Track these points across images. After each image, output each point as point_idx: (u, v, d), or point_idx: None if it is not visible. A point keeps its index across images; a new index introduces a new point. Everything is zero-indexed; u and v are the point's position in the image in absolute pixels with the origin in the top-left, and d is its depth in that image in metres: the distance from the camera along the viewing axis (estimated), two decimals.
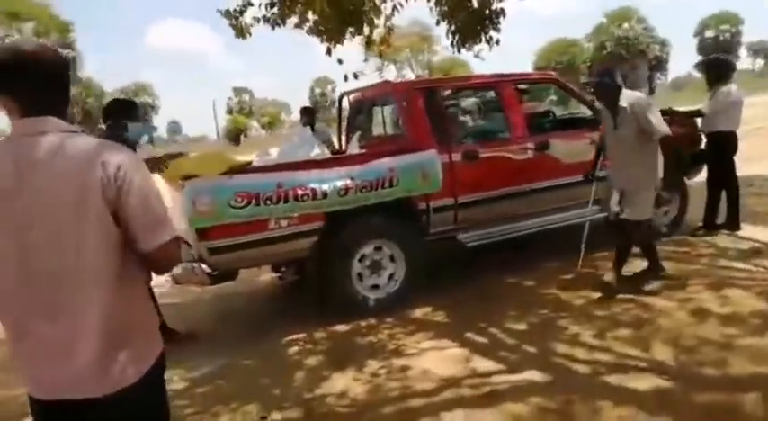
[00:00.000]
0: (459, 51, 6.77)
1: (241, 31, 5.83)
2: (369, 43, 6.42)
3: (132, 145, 3.75)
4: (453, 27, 6.78)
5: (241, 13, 5.62)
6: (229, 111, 65.14)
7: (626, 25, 51.11)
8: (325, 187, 3.89)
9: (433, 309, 4.28)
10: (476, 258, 5.11)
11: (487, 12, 6.85)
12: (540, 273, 4.71)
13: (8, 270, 1.40)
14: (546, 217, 4.82)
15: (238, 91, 68.30)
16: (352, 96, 5.39)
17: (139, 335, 1.52)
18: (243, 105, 65.92)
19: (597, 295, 4.08)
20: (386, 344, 3.73)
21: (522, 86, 5.26)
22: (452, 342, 3.67)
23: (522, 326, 3.79)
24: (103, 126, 4.01)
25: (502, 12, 6.79)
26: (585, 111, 5.25)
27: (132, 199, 1.40)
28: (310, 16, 5.84)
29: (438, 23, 6.89)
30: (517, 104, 4.81)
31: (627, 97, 3.93)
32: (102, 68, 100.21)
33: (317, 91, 66.96)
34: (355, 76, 5.78)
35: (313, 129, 6.35)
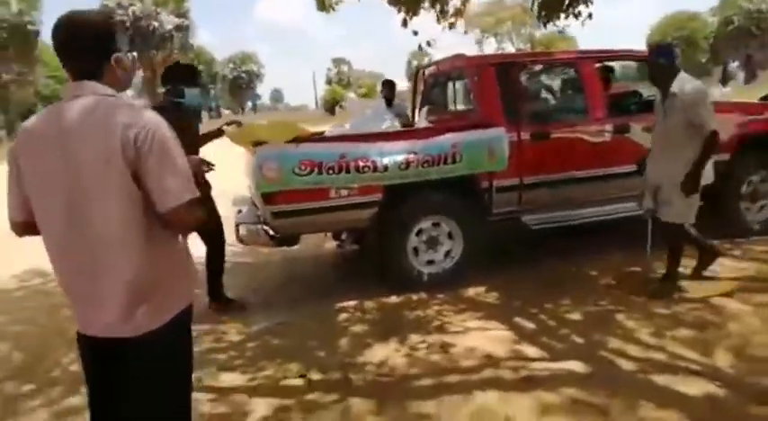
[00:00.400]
0: (545, 26, 6.45)
1: (323, 4, 5.89)
2: (442, 14, 6.26)
3: (188, 111, 3.80)
4: (539, 1, 6.46)
5: None
6: (328, 82, 66.50)
7: None
8: (387, 160, 3.93)
9: (486, 289, 4.23)
10: (540, 242, 4.96)
11: None
12: (604, 264, 4.49)
13: (56, 226, 1.56)
14: (618, 205, 4.56)
15: (337, 62, 69.47)
16: (428, 70, 5.34)
17: (164, 290, 1.65)
18: (341, 76, 67.02)
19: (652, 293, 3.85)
20: (432, 320, 3.76)
21: (609, 64, 4.95)
22: (500, 324, 3.63)
23: (574, 316, 3.66)
24: (162, 90, 4.02)
25: None
26: None
27: (150, 161, 1.49)
28: None
29: None
30: (597, 83, 4.53)
31: (681, 82, 3.57)
32: (214, 38, 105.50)
33: (414, 63, 66.53)
34: (428, 44, 5.70)
35: (392, 103, 6.39)
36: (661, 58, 3.68)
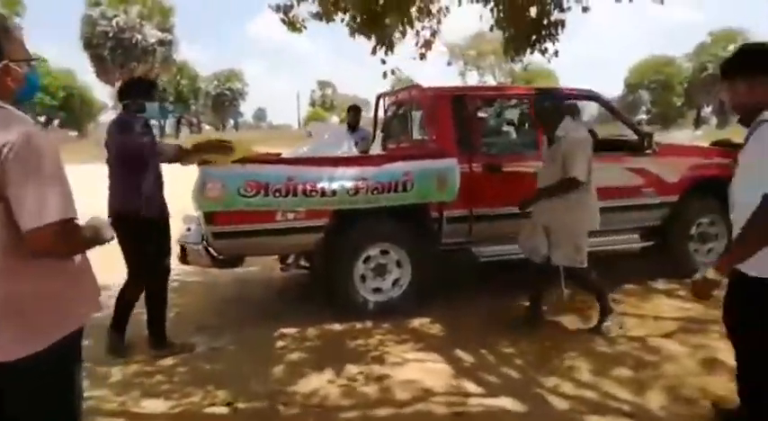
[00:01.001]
0: (511, 59, 6.56)
1: (293, 26, 5.90)
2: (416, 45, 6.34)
3: (148, 125, 3.61)
4: (507, 34, 6.59)
5: (291, 6, 5.67)
6: (312, 104, 66.82)
7: (732, 46, 47.70)
8: (335, 185, 3.89)
9: (431, 320, 4.17)
10: (490, 274, 4.93)
11: (545, 22, 6.62)
12: (551, 298, 4.47)
13: None
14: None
15: (322, 84, 69.91)
16: (387, 98, 5.37)
17: (41, 311, 1.55)
18: (325, 99, 67.38)
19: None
20: (373, 350, 3.68)
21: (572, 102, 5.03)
22: (440, 357, 3.57)
23: (515, 351, 3.61)
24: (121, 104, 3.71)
25: (561, 23, 6.50)
26: (631, 134, 4.93)
27: (12, 176, 1.41)
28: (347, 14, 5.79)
29: (491, 29, 6.71)
30: None
31: (565, 128, 3.64)
32: (204, 54, 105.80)
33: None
34: (393, 73, 5.74)
35: (356, 129, 6.40)
36: (546, 102, 3.75)
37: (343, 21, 5.97)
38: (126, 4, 34.35)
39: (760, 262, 2.01)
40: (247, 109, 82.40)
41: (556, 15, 6.49)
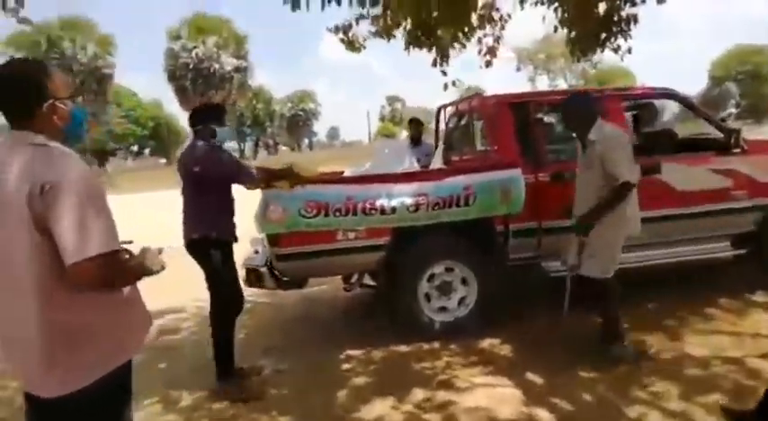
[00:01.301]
0: (578, 60, 6.24)
1: (352, 45, 5.92)
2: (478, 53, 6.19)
3: (217, 151, 3.54)
4: (573, 34, 6.28)
5: (350, 26, 5.68)
6: (382, 119, 67.66)
7: None
8: (395, 202, 3.80)
9: (502, 341, 3.96)
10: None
11: (615, 18, 6.26)
12: (636, 314, 4.13)
13: None
14: (651, 251, 4.23)
15: (391, 99, 70.71)
16: (448, 109, 5.24)
17: (89, 343, 1.57)
18: (395, 113, 68.01)
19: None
20: (439, 374, 3.53)
21: (636, 102, 4.70)
22: (510, 381, 3.37)
23: (593, 375, 3.34)
24: (192, 130, 3.69)
25: (633, 18, 6.13)
26: (716, 133, 4.51)
27: (56, 215, 1.44)
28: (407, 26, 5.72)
29: (556, 30, 6.42)
30: (621, 122, 4.28)
31: (598, 130, 3.34)
32: (276, 77, 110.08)
33: None
34: (453, 84, 5.62)
35: (420, 142, 6.31)
36: (576, 105, 3.48)
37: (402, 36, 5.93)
38: (204, 35, 36.36)
39: None
40: (321, 128, 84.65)
41: (627, 10, 6.15)
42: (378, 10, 5.33)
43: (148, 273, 1.73)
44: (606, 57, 6.58)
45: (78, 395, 1.55)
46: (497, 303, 4.15)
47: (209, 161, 3.42)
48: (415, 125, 6.28)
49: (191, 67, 35.77)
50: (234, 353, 3.60)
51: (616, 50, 6.62)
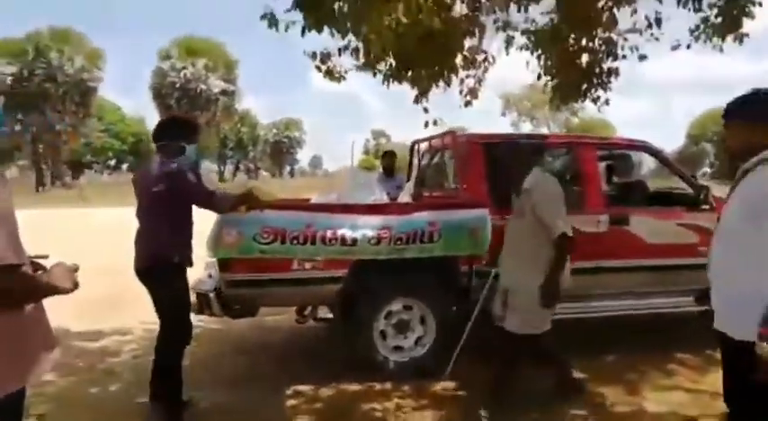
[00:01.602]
0: (557, 108, 6.30)
1: (331, 74, 5.85)
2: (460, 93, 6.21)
3: (185, 171, 3.20)
4: (555, 82, 6.37)
5: (328, 56, 5.63)
6: (366, 152, 67.99)
7: None
8: (356, 234, 3.66)
9: (456, 385, 3.80)
10: None
11: (597, 70, 6.37)
12: (596, 366, 4.02)
13: None
14: (615, 301, 4.16)
15: (377, 134, 71.30)
16: (422, 145, 5.19)
17: None
18: (379, 147, 68.46)
19: None
20: (388, 417, 3.35)
21: (610, 152, 4.70)
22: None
23: None
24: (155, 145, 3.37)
25: (614, 72, 6.25)
26: (686, 188, 4.52)
27: None
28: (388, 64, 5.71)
29: (539, 78, 6.50)
30: (594, 170, 4.27)
31: (534, 178, 3.28)
32: (264, 103, 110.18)
33: None
34: (435, 123, 5.59)
35: (392, 174, 6.24)
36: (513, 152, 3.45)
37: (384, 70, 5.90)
38: (194, 57, 36.49)
39: None
40: (304, 156, 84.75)
41: (609, 64, 6.27)
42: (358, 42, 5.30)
43: (55, 291, 1.56)
44: (589, 107, 6.69)
45: None
46: (456, 346, 3.98)
47: (177, 181, 3.14)
48: (389, 157, 6.23)
49: (177, 86, 35.78)
50: (182, 383, 3.36)
51: (595, 101, 6.73)
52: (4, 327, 1.46)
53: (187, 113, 35.32)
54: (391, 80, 5.83)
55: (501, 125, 51.83)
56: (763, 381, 1.79)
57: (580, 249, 4.07)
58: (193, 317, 3.79)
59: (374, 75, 6.09)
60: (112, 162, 56.48)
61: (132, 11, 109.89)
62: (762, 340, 1.77)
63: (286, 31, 4.59)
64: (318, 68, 5.58)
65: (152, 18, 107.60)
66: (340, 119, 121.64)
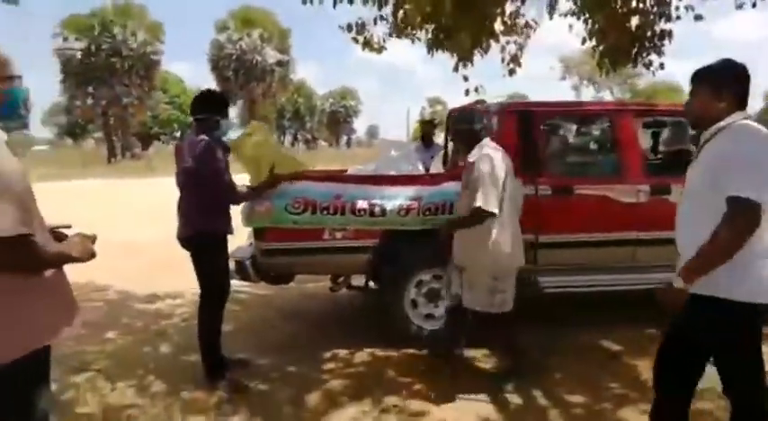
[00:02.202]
0: (606, 74, 6.04)
1: (369, 45, 5.82)
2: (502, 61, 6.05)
3: (215, 148, 3.30)
4: (603, 47, 6.07)
5: (363, 26, 5.58)
6: (421, 120, 67.44)
7: None
8: (385, 204, 3.72)
9: (486, 353, 3.85)
10: (557, 306, 4.48)
11: (649, 33, 6.02)
12: (630, 339, 3.95)
13: None
14: (653, 274, 4.03)
15: (432, 101, 70.34)
16: (457, 113, 5.11)
17: None
18: (435, 115, 67.71)
19: None
20: (416, 382, 3.45)
21: (655, 119, 4.49)
22: (487, 395, 3.26)
23: (573, 398, 3.20)
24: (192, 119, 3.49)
25: (668, 34, 5.90)
26: None
27: None
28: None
29: (584, 42, 6.23)
30: (634, 138, 4.09)
31: (478, 151, 3.22)
32: (319, 73, 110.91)
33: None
34: (476, 90, 5.50)
35: (431, 144, 6.22)
36: (462, 124, 3.40)
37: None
38: (249, 28, 36.97)
39: (737, 283, 1.97)
40: (360, 126, 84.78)
41: (661, 25, 5.92)
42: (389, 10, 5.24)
43: (70, 260, 1.70)
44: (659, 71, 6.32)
45: None
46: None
47: (203, 158, 3.25)
48: (426, 126, 6.19)
49: (234, 58, 36.42)
50: (220, 345, 3.56)
51: (647, 66, 6.41)
52: (30, 291, 1.61)
53: (244, 85, 36.13)
54: (434, 49, 5.75)
55: (561, 90, 49.91)
56: (664, 308, 2.05)
57: (620, 220, 4.00)
58: (239, 284, 3.98)
59: (412, 42, 6.03)
60: (178, 133, 58.71)
61: None
62: (679, 276, 1.99)
63: (321, 3, 4.61)
64: (355, 40, 5.57)
65: None
66: (395, 87, 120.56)
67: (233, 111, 42.18)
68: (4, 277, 1.55)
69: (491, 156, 3.16)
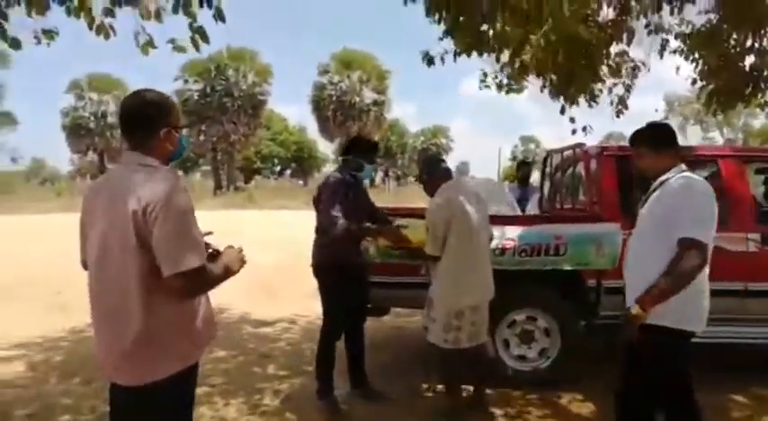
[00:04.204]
0: (714, 114, 5.85)
1: (501, 87, 6.15)
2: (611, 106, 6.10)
3: (338, 185, 3.61)
4: (712, 87, 5.91)
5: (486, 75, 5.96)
6: (513, 158, 66.56)
7: None
8: None
9: (582, 398, 3.80)
10: None
11: (766, 73, 5.80)
12: (749, 396, 3.75)
13: (92, 272, 1.85)
14: (759, 328, 3.84)
15: (525, 140, 69.47)
16: (555, 156, 5.18)
17: (162, 346, 1.79)
18: (527, 153, 66.62)
19: None
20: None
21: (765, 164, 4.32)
22: None
23: None
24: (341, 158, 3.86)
25: None
26: None
27: (156, 230, 1.69)
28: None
29: (694, 83, 6.10)
30: (744, 184, 3.97)
31: (440, 195, 3.40)
32: (414, 110, 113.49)
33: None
34: (584, 130, 5.57)
35: (527, 185, 6.28)
36: (424, 175, 3.62)
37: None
38: (350, 70, 38.83)
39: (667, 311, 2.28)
40: (451, 163, 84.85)
41: None
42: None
43: (231, 274, 1.94)
44: None
45: (152, 387, 1.79)
46: (582, 359, 3.98)
47: (323, 190, 3.61)
48: (523, 167, 6.28)
49: (334, 99, 38.29)
50: (333, 371, 3.74)
51: (762, 107, 6.16)
52: (188, 312, 1.87)
53: (342, 125, 37.73)
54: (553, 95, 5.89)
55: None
56: (629, 338, 2.36)
57: (724, 269, 3.85)
58: None
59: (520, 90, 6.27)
60: (277, 168, 62.05)
61: (298, 27, 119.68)
62: (636, 303, 2.31)
63: (443, 63, 4.93)
64: (488, 86, 5.93)
65: (314, 33, 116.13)
66: (489, 125, 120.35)
67: (330, 148, 44.02)
68: (173, 302, 1.79)
69: (444, 203, 3.34)
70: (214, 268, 1.88)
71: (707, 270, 2.38)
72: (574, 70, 5.40)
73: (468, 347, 3.38)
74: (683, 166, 2.49)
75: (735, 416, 3.59)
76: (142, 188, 1.73)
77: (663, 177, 2.48)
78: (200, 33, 3.65)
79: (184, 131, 2.06)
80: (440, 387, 3.84)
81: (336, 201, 3.53)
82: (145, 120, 1.86)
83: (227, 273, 1.93)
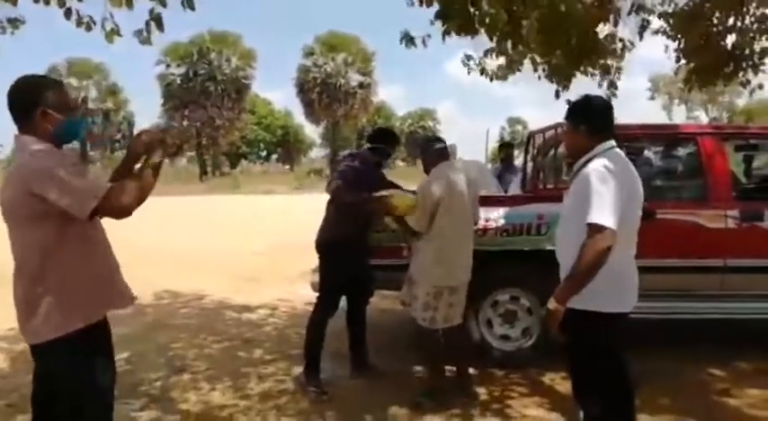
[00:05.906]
0: (689, 91, 5.88)
1: (485, 72, 6.06)
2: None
3: (357, 170, 3.75)
4: (692, 65, 5.92)
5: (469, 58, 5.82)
6: (501, 140, 66.70)
7: None
8: None
9: (565, 376, 3.82)
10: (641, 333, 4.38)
11: (747, 51, 5.81)
12: (729, 370, 3.85)
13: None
14: (741, 304, 3.90)
15: (512, 121, 69.47)
16: (537, 137, 5.17)
17: (50, 307, 1.91)
18: (515, 135, 66.75)
19: None
20: (491, 400, 3.53)
21: (748, 142, 4.35)
22: (562, 417, 3.28)
23: None
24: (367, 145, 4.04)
25: (765, 52, 5.68)
26: None
27: (50, 195, 1.81)
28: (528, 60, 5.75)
29: (677, 61, 6.10)
30: (723, 162, 4.00)
31: (432, 174, 3.44)
32: (399, 93, 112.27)
33: None
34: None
35: (510, 165, 6.29)
36: (420, 148, 3.68)
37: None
38: (334, 52, 38.47)
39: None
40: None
41: (763, 43, 5.70)
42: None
43: (151, 152, 2.05)
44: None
45: (46, 346, 1.92)
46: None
47: (341, 174, 3.73)
48: (506, 149, 6.29)
49: (319, 81, 37.94)
50: (321, 354, 3.79)
51: (744, 85, 6.19)
52: (86, 272, 1.99)
53: (328, 108, 37.48)
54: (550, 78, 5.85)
55: (651, 109, 47.73)
56: (553, 331, 2.39)
57: (704, 246, 3.91)
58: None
59: (513, 73, 6.21)
60: (263, 153, 61.59)
61: (281, 10, 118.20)
62: (553, 297, 2.33)
63: (424, 46, 4.85)
64: (481, 70, 5.85)
65: (298, 16, 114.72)
66: (475, 109, 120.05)
67: (317, 132, 43.73)
68: (68, 262, 1.92)
69: (430, 183, 3.37)
70: (128, 181, 1.99)
71: (630, 251, 2.42)
72: (571, 52, 5.37)
73: (444, 328, 3.42)
74: (607, 145, 2.37)
75: (714, 388, 3.66)
76: (25, 169, 1.89)
77: (582, 159, 2.41)
78: (156, 20, 3.56)
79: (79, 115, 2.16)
80: (422, 367, 3.87)
81: (351, 176, 3.67)
82: (16, 104, 1.95)
83: (153, 150, 2.05)
